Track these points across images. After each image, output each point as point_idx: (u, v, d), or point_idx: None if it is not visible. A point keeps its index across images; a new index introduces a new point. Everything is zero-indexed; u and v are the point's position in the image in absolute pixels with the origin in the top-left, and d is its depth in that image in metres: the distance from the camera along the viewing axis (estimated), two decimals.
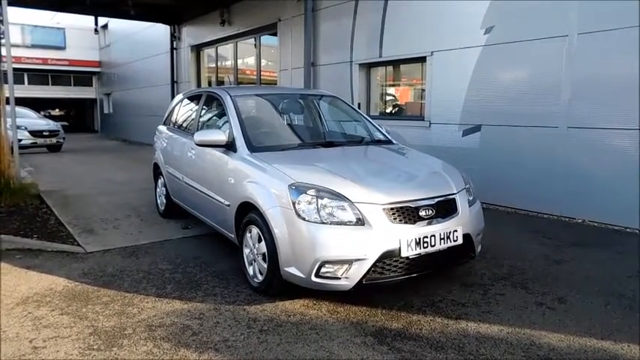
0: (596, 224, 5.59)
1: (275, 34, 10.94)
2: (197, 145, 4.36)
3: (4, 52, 7.47)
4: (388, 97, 9.01)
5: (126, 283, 3.90)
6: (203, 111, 5.24)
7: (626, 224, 5.33)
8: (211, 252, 4.71)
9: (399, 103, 8.86)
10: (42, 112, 20.32)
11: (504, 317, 3.26)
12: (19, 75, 22.52)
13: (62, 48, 25.57)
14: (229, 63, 13.95)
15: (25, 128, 14.21)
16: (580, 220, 5.73)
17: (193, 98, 5.80)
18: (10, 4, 7.47)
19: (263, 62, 12.32)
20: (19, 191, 6.87)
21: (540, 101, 6.02)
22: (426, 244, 3.27)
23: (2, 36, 7.45)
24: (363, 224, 3.19)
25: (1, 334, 3.03)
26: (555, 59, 5.84)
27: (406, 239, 3.20)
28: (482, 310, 3.38)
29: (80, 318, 3.26)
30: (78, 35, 24.85)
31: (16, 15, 13.70)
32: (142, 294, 3.68)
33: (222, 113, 4.69)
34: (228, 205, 4.04)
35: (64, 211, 6.29)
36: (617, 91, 5.33)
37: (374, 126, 5.04)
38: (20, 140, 10.92)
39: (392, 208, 3.27)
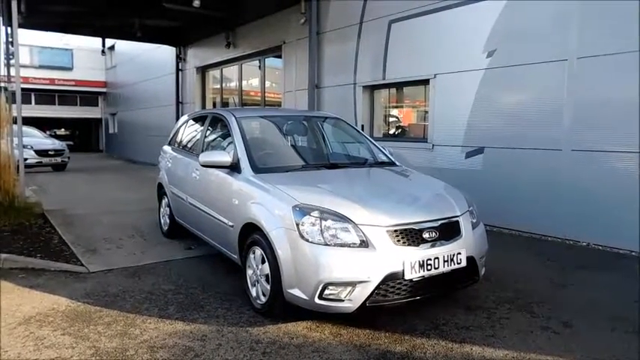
0: (600, 247, 5.56)
1: (279, 57, 11.08)
2: (202, 165, 4.39)
3: (13, 73, 7.60)
4: (391, 119, 9.08)
5: (128, 304, 3.89)
6: (208, 132, 5.28)
7: (631, 248, 5.30)
8: (214, 273, 4.70)
9: (402, 124, 8.91)
10: (47, 132, 20.46)
11: (509, 341, 3.23)
12: (26, 95, 22.77)
13: (69, 68, 25.94)
14: (234, 84, 14.11)
15: (31, 147, 14.31)
16: (585, 243, 5.70)
17: (198, 119, 5.86)
18: (20, 26, 7.61)
19: (267, 84, 12.45)
20: (24, 210, 6.89)
21: (543, 124, 6.05)
22: (429, 267, 3.26)
23: (12, 57, 7.59)
24: (367, 246, 3.19)
25: (3, 355, 3.01)
26: (557, 82, 5.89)
27: (410, 261, 3.20)
28: (487, 333, 3.35)
29: (82, 338, 3.24)
30: (85, 56, 25.25)
31: (25, 36, 13.93)
32: (144, 315, 3.66)
33: (226, 134, 4.74)
34: (232, 226, 4.05)
35: (68, 231, 6.30)
36: (620, 114, 5.37)
37: (377, 148, 5.07)
38: (26, 159, 11.01)
39: (395, 230, 3.27)
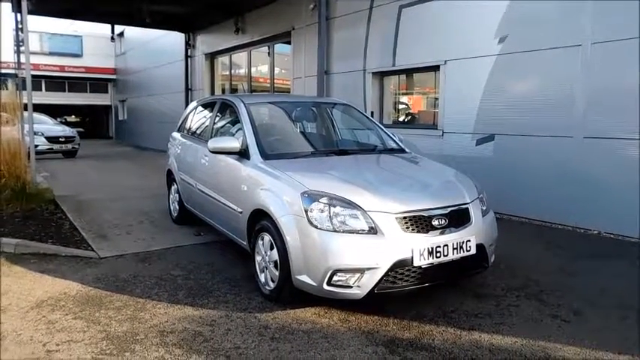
0: (612, 236, 5.50)
1: (288, 43, 11.01)
2: (211, 152, 4.39)
3: (23, 60, 7.61)
4: (401, 106, 9.00)
5: (138, 289, 3.92)
6: (217, 118, 5.28)
7: None
8: (223, 259, 4.72)
9: (411, 111, 8.84)
10: (58, 119, 20.59)
11: (518, 329, 3.21)
12: (36, 82, 22.77)
13: (79, 55, 25.98)
14: (243, 71, 14.06)
15: (42, 134, 14.39)
16: (596, 232, 5.65)
17: (207, 105, 5.85)
18: (29, 12, 7.61)
19: (276, 70, 12.39)
20: (35, 196, 6.95)
21: (555, 111, 5.96)
22: (438, 254, 3.25)
23: (22, 44, 7.60)
24: (376, 233, 3.18)
25: (16, 337, 3.06)
26: (570, 69, 5.79)
27: (419, 248, 3.18)
28: (496, 321, 3.34)
29: (93, 322, 3.28)
30: (95, 43, 25.28)
31: (34, 23, 13.96)
32: (154, 300, 3.70)
33: (235, 121, 4.72)
34: (241, 213, 4.05)
35: (79, 217, 6.36)
36: (635, 101, 5.26)
37: (387, 134, 5.03)
38: (37, 146, 11.07)
39: (405, 217, 3.25)
